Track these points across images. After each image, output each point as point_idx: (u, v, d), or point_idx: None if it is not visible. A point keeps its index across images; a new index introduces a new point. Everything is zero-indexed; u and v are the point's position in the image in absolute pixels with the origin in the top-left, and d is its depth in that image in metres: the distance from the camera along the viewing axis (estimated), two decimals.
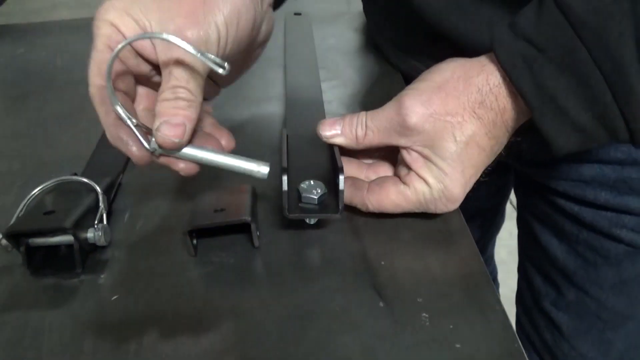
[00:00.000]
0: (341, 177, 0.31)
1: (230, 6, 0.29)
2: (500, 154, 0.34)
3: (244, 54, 0.34)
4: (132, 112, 0.30)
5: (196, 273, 0.33)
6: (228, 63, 0.27)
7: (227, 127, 0.36)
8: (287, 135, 0.37)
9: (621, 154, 0.42)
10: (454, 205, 0.34)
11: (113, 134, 0.30)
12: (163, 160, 0.31)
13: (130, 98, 0.31)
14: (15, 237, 0.32)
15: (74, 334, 0.29)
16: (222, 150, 0.32)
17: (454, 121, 0.32)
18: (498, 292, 0.79)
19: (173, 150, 0.30)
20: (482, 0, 0.37)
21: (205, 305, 0.31)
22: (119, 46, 0.27)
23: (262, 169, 0.31)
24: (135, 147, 0.30)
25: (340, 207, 0.32)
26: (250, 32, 0.31)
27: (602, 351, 0.52)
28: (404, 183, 0.34)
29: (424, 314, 0.29)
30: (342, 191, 0.32)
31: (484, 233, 0.71)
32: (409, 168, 0.33)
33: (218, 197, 0.35)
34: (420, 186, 0.33)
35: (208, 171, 0.32)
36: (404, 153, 0.33)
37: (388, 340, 0.28)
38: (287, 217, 0.32)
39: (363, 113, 0.34)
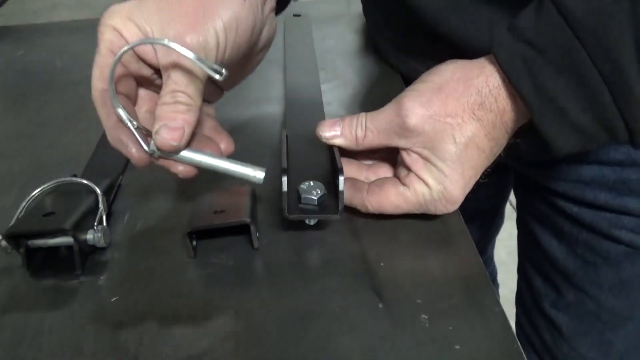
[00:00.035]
0: (341, 178, 0.32)
1: (230, 13, 0.29)
2: (500, 155, 0.34)
3: (245, 59, 0.34)
4: (133, 115, 0.31)
5: (196, 274, 0.33)
6: (226, 69, 0.28)
7: (227, 127, 0.36)
8: (286, 136, 0.37)
9: (620, 155, 0.42)
10: (454, 206, 0.34)
11: (113, 136, 0.30)
12: (162, 162, 0.31)
13: (131, 101, 0.32)
14: (15, 238, 0.32)
15: (74, 335, 0.29)
16: (220, 155, 0.32)
17: (453, 123, 0.32)
18: (498, 293, 0.80)
19: (171, 153, 0.30)
20: (481, 1, 0.37)
21: (205, 306, 0.31)
22: (121, 51, 0.28)
23: (257, 174, 0.31)
24: (134, 149, 0.30)
25: (340, 208, 0.32)
26: (250, 38, 0.31)
27: (601, 352, 0.52)
28: (404, 184, 0.34)
29: (424, 315, 0.29)
30: (342, 192, 0.32)
31: (483, 234, 0.71)
32: (409, 169, 0.34)
33: (217, 199, 0.35)
34: (420, 187, 0.33)
35: (207, 173, 0.32)
36: (404, 154, 0.34)
37: (387, 341, 0.28)
38: (287, 218, 0.32)
39: (363, 114, 0.34)
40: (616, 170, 0.43)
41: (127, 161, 0.41)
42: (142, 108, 0.33)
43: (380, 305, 0.30)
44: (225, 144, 0.34)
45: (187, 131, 0.29)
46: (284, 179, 0.31)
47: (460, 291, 0.30)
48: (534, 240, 0.53)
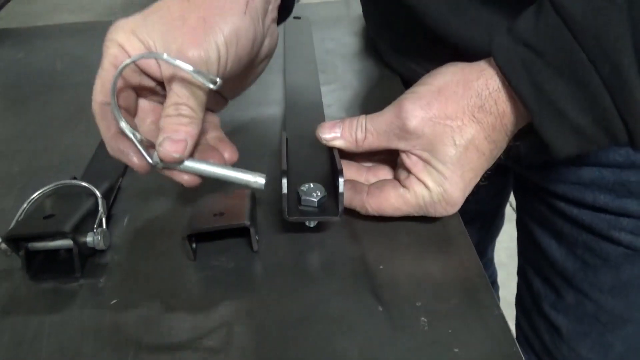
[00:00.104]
0: (341, 180, 0.32)
1: (230, 26, 0.30)
2: (500, 157, 0.34)
3: (247, 69, 0.34)
4: (133, 127, 0.31)
5: (195, 277, 0.33)
6: (227, 80, 0.29)
7: (227, 129, 0.36)
8: (286, 138, 0.37)
9: (620, 157, 0.42)
10: (454, 209, 0.34)
11: (113, 147, 0.31)
12: (166, 172, 0.32)
13: (130, 114, 0.33)
14: (15, 241, 0.32)
15: (74, 337, 0.29)
16: (222, 163, 0.33)
17: (453, 125, 0.32)
18: (498, 294, 0.79)
19: (174, 164, 0.31)
20: (481, 3, 0.38)
21: (204, 309, 0.31)
22: (122, 65, 0.29)
23: (258, 180, 0.32)
24: (135, 158, 0.31)
25: (340, 210, 0.32)
26: (251, 50, 0.32)
27: (601, 353, 0.52)
28: (404, 186, 0.34)
29: (423, 318, 0.29)
30: (342, 194, 0.32)
31: (483, 236, 0.71)
32: (409, 171, 0.34)
33: (217, 202, 0.35)
34: (420, 190, 0.33)
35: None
36: (404, 156, 0.34)
37: (387, 343, 0.28)
38: (286, 220, 0.32)
39: (363, 116, 0.34)
40: (615, 172, 0.43)
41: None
42: (146, 120, 0.33)
43: (380, 308, 0.30)
44: (229, 153, 0.34)
45: (190, 143, 0.30)
46: (284, 180, 0.32)
47: (459, 294, 0.30)
48: (534, 242, 0.53)
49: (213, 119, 0.36)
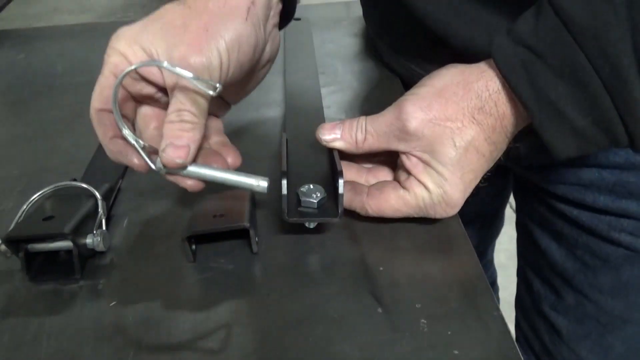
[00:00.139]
0: (341, 181, 0.32)
1: (232, 33, 0.30)
2: (499, 158, 0.34)
3: (249, 74, 0.35)
4: (134, 133, 0.32)
5: (195, 279, 0.33)
6: (222, 86, 0.29)
7: (227, 131, 0.36)
8: (286, 139, 0.37)
9: (620, 158, 0.42)
10: (454, 210, 0.34)
11: (112, 150, 0.32)
12: (169, 178, 0.32)
13: (129, 121, 0.33)
14: (15, 242, 0.32)
15: (73, 339, 0.29)
16: (225, 168, 0.33)
17: (453, 127, 0.32)
18: (497, 295, 0.79)
19: (178, 170, 0.31)
20: (481, 5, 0.38)
21: (204, 311, 0.31)
22: (122, 74, 0.29)
23: (261, 184, 0.32)
24: (135, 158, 0.32)
25: (339, 211, 0.32)
26: (252, 55, 0.32)
27: (601, 355, 0.52)
28: (404, 188, 0.34)
29: (423, 320, 0.29)
30: (342, 195, 0.32)
31: (483, 237, 0.71)
32: (409, 173, 0.34)
33: (217, 203, 0.35)
34: (419, 191, 0.33)
35: None
36: (404, 158, 0.34)
37: (386, 346, 0.28)
38: (286, 221, 0.32)
39: (363, 117, 0.34)
40: (615, 173, 0.43)
41: (127, 165, 0.41)
42: (150, 125, 0.34)
43: (379, 310, 0.30)
44: (232, 157, 0.34)
45: (193, 148, 0.30)
46: (284, 181, 0.32)
47: (459, 296, 0.30)
48: (534, 243, 0.53)
49: (216, 123, 0.36)
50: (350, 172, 0.37)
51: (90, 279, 0.33)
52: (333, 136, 0.35)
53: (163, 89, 0.32)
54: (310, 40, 0.60)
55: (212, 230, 0.33)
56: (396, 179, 0.36)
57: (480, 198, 0.35)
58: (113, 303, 0.31)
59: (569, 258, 0.50)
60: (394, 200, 0.34)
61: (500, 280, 0.80)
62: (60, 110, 0.52)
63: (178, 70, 0.28)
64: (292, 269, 0.33)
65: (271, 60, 0.36)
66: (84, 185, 0.36)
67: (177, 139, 0.30)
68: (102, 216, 0.34)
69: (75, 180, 0.38)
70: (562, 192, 0.47)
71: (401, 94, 0.34)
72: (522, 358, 0.27)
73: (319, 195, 0.33)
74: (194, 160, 0.31)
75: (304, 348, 0.28)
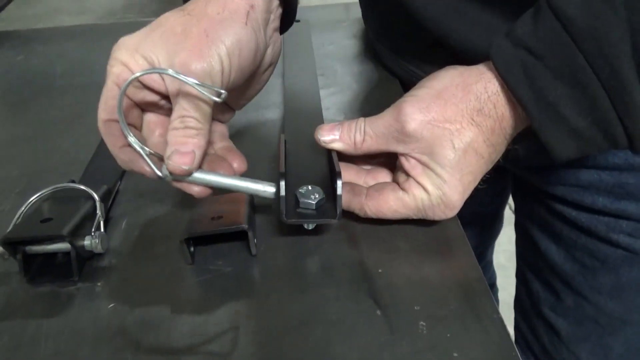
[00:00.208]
0: (339, 182, 0.32)
1: (232, 37, 0.30)
2: (498, 160, 0.34)
3: (251, 79, 0.35)
4: (140, 140, 0.32)
5: (193, 280, 0.33)
6: (232, 91, 0.29)
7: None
8: (285, 141, 0.37)
9: (618, 159, 0.42)
10: (453, 212, 0.34)
11: (123, 159, 0.32)
12: (176, 185, 0.32)
13: (136, 128, 0.33)
14: (12, 244, 0.32)
15: (71, 342, 0.29)
16: (231, 174, 0.33)
17: (452, 128, 0.32)
18: (497, 297, 0.79)
19: (184, 176, 0.31)
20: (481, 6, 0.38)
21: (203, 313, 0.31)
22: (125, 83, 0.29)
23: (268, 189, 0.32)
24: (146, 166, 0.32)
25: (338, 212, 0.32)
26: (254, 60, 0.32)
27: (601, 356, 0.51)
28: (403, 189, 0.34)
29: (422, 322, 0.29)
30: (340, 196, 0.32)
31: (482, 238, 0.71)
32: (408, 174, 0.34)
33: (215, 205, 0.35)
34: (418, 193, 0.33)
35: None
36: (403, 160, 0.34)
37: (385, 348, 0.28)
38: (284, 222, 0.32)
39: (362, 119, 0.34)
40: (614, 174, 0.43)
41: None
42: (155, 132, 0.34)
43: (378, 312, 0.30)
44: (238, 163, 0.34)
45: (198, 154, 0.30)
46: (282, 183, 0.32)
47: (458, 298, 0.30)
48: (533, 245, 0.53)
49: (220, 129, 0.37)
50: (349, 174, 0.37)
51: (88, 281, 0.33)
52: (332, 137, 0.35)
53: (166, 96, 0.32)
54: (309, 41, 0.60)
55: (211, 232, 0.33)
56: (395, 181, 0.36)
57: (479, 199, 0.35)
58: (111, 305, 0.31)
59: (568, 259, 0.50)
60: (393, 202, 0.34)
61: (499, 282, 0.80)
62: (59, 111, 0.52)
63: (182, 77, 0.28)
64: (291, 271, 0.33)
65: (273, 64, 0.36)
66: (82, 187, 0.36)
67: (182, 146, 0.30)
68: (101, 218, 0.34)
69: (73, 181, 0.38)
70: (561, 193, 0.47)
71: (400, 96, 0.34)
72: None
73: (317, 196, 0.33)
74: (200, 167, 0.31)
75: (303, 350, 0.28)
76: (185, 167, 0.30)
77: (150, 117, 0.34)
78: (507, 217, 0.72)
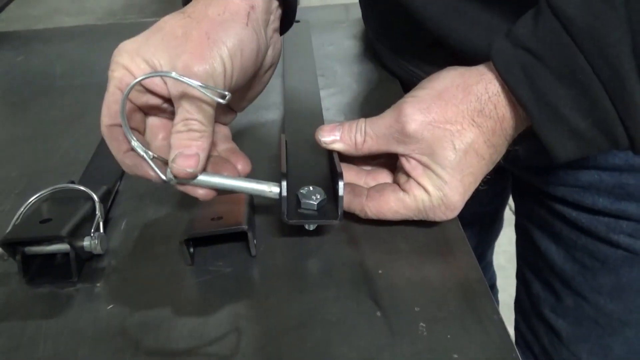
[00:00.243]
0: (341, 183, 0.31)
1: (233, 38, 0.30)
2: (498, 161, 0.34)
3: (253, 80, 0.35)
4: (144, 144, 0.32)
5: (193, 281, 0.33)
6: (234, 92, 0.29)
7: None
8: (285, 141, 0.37)
9: (619, 160, 0.42)
10: (453, 213, 0.34)
11: (127, 164, 0.32)
12: (181, 188, 0.32)
13: (140, 133, 0.33)
14: (11, 245, 0.32)
15: (70, 343, 0.29)
16: (235, 175, 0.33)
17: (453, 129, 0.32)
18: (497, 298, 0.79)
19: (188, 179, 0.31)
20: (480, 6, 0.38)
21: (202, 315, 0.30)
22: (127, 88, 0.29)
23: (273, 189, 0.32)
24: (151, 171, 0.32)
25: (339, 213, 0.32)
26: (255, 60, 0.32)
27: (601, 357, 0.51)
28: (404, 190, 0.34)
29: (422, 324, 0.29)
30: (342, 197, 0.32)
31: (482, 239, 0.71)
32: (408, 175, 0.33)
33: (215, 206, 0.35)
34: (419, 194, 0.33)
35: None
36: (403, 161, 0.33)
37: (385, 350, 0.28)
38: (286, 223, 0.32)
39: (362, 120, 0.34)
40: (614, 175, 0.43)
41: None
42: (158, 136, 0.34)
43: (378, 314, 0.30)
44: (242, 164, 0.34)
45: (202, 157, 0.30)
46: (283, 183, 0.31)
47: (458, 299, 0.30)
48: (533, 245, 0.53)
49: (223, 131, 0.37)
50: (349, 174, 0.37)
51: (87, 282, 0.33)
52: (332, 138, 0.35)
53: (169, 100, 0.32)
54: (309, 42, 0.60)
55: (210, 232, 0.33)
56: (395, 182, 0.35)
57: (479, 200, 0.35)
58: (110, 306, 0.31)
59: (568, 260, 0.49)
60: (394, 203, 0.34)
61: (499, 282, 0.80)
62: (59, 111, 0.52)
63: (186, 79, 0.28)
64: (291, 271, 0.33)
65: (273, 65, 0.36)
66: (82, 188, 0.36)
67: (185, 149, 0.30)
68: (100, 219, 0.34)
69: (73, 182, 0.38)
70: (561, 194, 0.47)
71: (400, 96, 0.34)
72: None
73: (318, 197, 0.33)
74: (204, 169, 0.31)
75: (303, 351, 0.28)
76: (190, 170, 0.30)
77: (154, 121, 0.34)
78: (507, 218, 0.72)
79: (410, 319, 0.29)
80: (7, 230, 0.33)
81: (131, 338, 0.29)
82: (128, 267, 0.34)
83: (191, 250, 0.33)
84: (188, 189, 0.32)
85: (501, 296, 0.78)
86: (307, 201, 0.33)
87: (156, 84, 0.31)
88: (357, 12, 0.59)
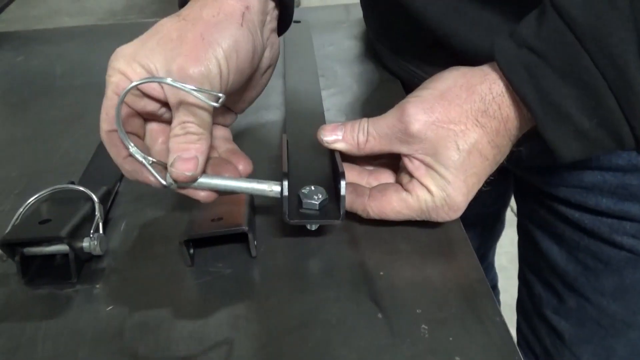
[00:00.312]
0: (342, 183, 0.31)
1: (229, 40, 0.30)
2: (502, 162, 0.34)
3: (251, 81, 0.35)
4: (144, 151, 0.32)
5: (193, 283, 0.32)
6: (224, 95, 0.29)
7: None
8: (287, 141, 0.37)
9: (622, 160, 0.42)
10: (456, 214, 0.33)
11: (127, 169, 0.32)
12: (181, 192, 0.32)
13: (139, 137, 0.33)
14: (10, 246, 0.32)
15: (69, 344, 0.29)
16: (236, 176, 0.33)
17: (456, 129, 0.32)
18: (498, 299, 0.79)
19: (188, 183, 0.31)
20: (482, 5, 0.37)
21: (202, 316, 0.30)
22: (122, 93, 0.29)
23: (274, 189, 0.32)
24: (151, 176, 0.31)
25: (341, 213, 0.32)
26: (251, 61, 0.32)
27: (603, 358, 0.51)
28: (406, 190, 0.33)
29: (423, 325, 0.29)
30: (344, 197, 0.31)
31: (484, 240, 0.71)
32: (411, 176, 0.33)
33: (215, 206, 0.35)
34: (422, 194, 0.33)
35: None
36: (406, 161, 0.33)
37: (386, 351, 0.27)
38: (287, 223, 0.32)
39: (365, 119, 0.34)
40: (618, 175, 0.43)
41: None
42: (157, 140, 0.33)
43: (379, 315, 0.29)
44: (243, 165, 0.34)
45: (201, 160, 0.30)
46: (285, 183, 0.31)
47: (460, 301, 0.30)
48: (535, 246, 0.53)
49: (224, 132, 0.36)
50: (351, 174, 0.36)
51: (86, 283, 0.33)
52: (334, 137, 0.34)
53: (166, 104, 0.32)
54: (310, 42, 0.60)
55: (210, 233, 0.32)
56: (398, 182, 0.35)
57: (482, 201, 0.35)
58: (110, 307, 0.31)
59: (570, 261, 0.49)
60: (396, 203, 0.33)
61: (501, 283, 0.80)
62: (59, 112, 0.52)
63: (179, 84, 0.28)
64: (291, 272, 0.33)
65: (272, 66, 0.36)
66: (81, 188, 0.36)
67: (184, 152, 0.30)
68: (99, 219, 0.34)
69: (72, 183, 0.38)
70: (564, 195, 0.47)
71: (401, 97, 0.34)
72: None
73: (320, 196, 0.33)
74: (204, 171, 0.31)
75: (303, 351, 0.28)
76: (189, 174, 0.30)
77: (153, 126, 0.34)
78: (509, 219, 0.72)
79: (411, 320, 0.29)
80: (7, 231, 0.33)
81: (131, 339, 0.29)
82: (128, 268, 0.34)
83: (191, 251, 0.33)
84: (189, 192, 0.32)
85: (503, 297, 0.78)
86: (309, 201, 0.32)
87: (153, 88, 0.31)
88: (358, 13, 0.59)
